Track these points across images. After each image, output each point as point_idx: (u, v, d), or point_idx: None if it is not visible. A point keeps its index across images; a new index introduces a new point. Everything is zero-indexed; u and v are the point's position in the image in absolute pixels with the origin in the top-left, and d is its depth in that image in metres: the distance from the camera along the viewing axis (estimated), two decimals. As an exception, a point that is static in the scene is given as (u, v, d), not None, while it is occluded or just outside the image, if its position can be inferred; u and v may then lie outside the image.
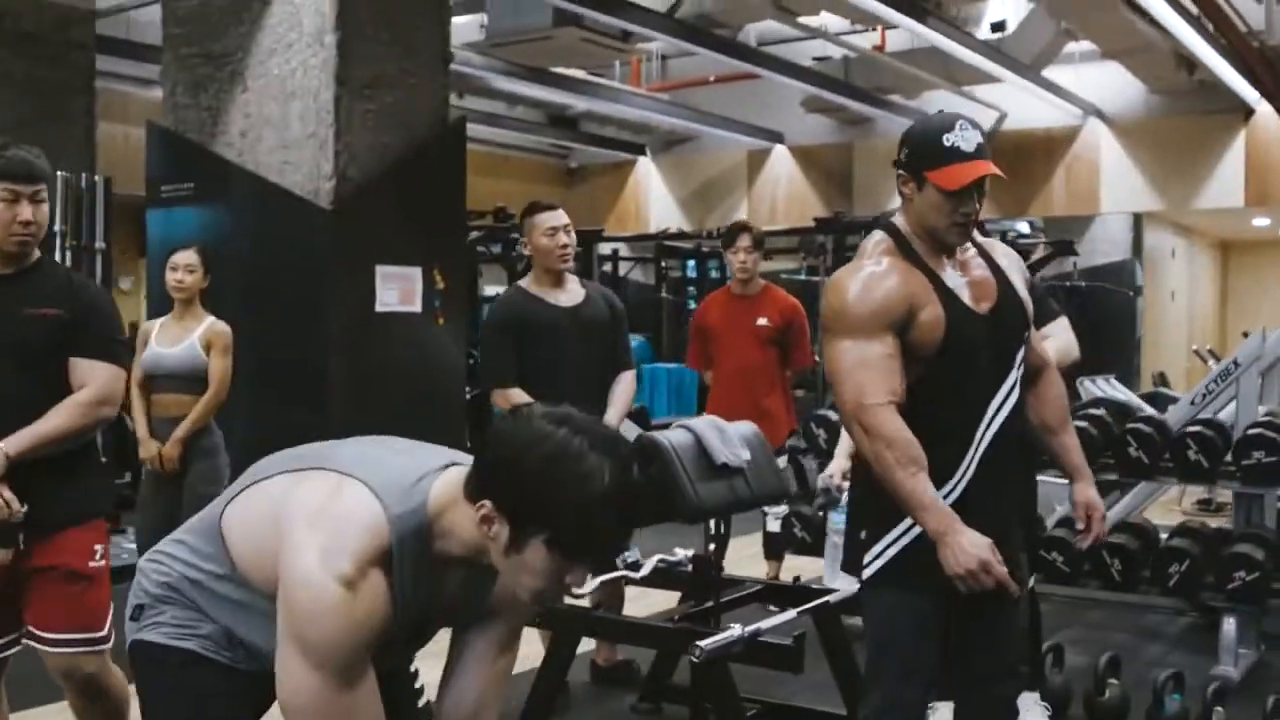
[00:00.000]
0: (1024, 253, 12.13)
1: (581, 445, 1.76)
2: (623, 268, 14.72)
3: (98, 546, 3.09)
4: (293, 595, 1.75)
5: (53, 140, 8.23)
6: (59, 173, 7.79)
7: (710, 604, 3.72)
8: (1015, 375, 2.77)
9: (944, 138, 2.63)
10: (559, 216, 4.41)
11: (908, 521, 2.67)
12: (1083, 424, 5.03)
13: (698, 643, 3.16)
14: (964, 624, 2.84)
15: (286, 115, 6.02)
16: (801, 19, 9.71)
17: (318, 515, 1.81)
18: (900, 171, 2.72)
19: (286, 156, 6.02)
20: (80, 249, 7.89)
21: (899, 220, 2.77)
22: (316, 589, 1.73)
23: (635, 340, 7.98)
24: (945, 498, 2.64)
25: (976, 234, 2.89)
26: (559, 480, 1.74)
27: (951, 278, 2.73)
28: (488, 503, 1.77)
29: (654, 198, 15.90)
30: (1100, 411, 5.25)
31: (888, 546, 2.74)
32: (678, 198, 15.69)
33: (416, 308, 6.27)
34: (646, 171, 15.98)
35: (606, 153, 15.81)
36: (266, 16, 6.08)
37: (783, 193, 14.43)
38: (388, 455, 1.94)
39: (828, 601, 3.78)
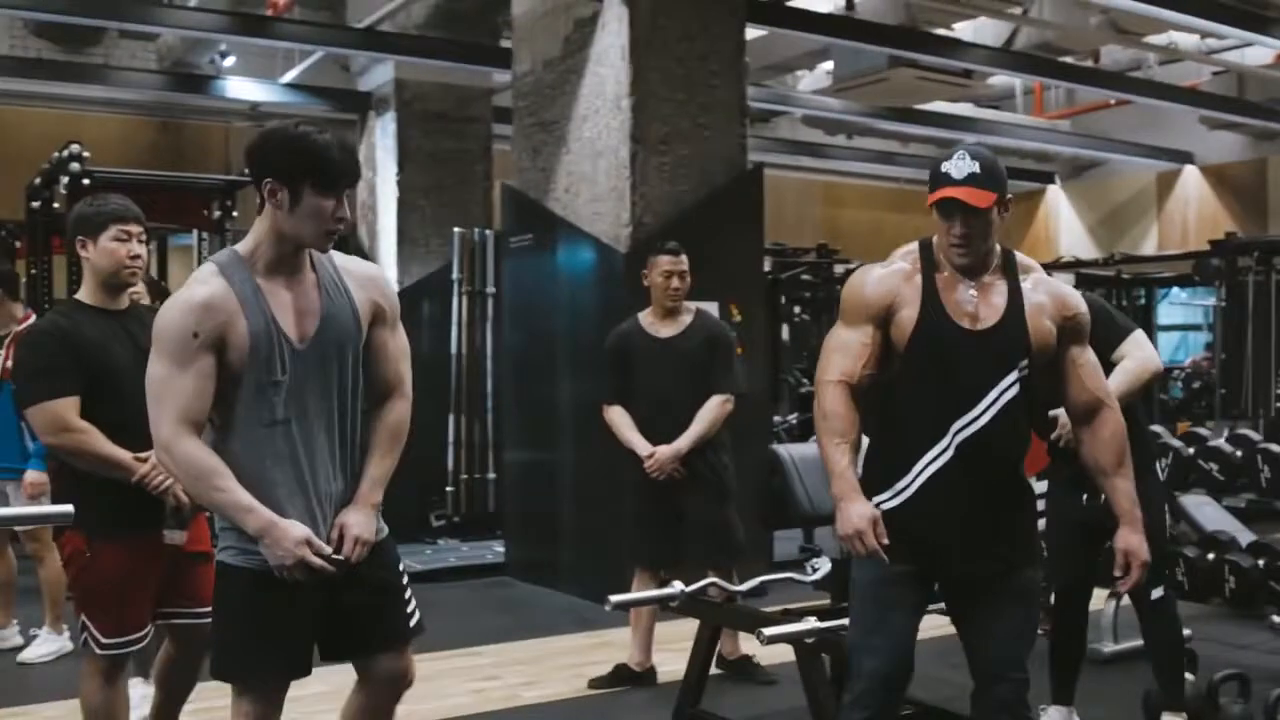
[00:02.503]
0: None
1: (297, 126, 2.67)
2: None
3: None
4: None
5: (457, 201, 9.75)
6: (455, 229, 9.18)
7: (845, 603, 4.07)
8: (996, 396, 2.90)
9: (941, 165, 2.91)
10: (677, 262, 4.88)
11: (879, 496, 2.94)
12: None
13: (763, 629, 3.53)
14: (962, 618, 3.06)
15: (595, 172, 6.90)
16: (1148, 39, 9.43)
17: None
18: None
19: (596, 208, 6.90)
20: (474, 294, 9.24)
21: (935, 238, 3.01)
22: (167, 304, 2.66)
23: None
24: (906, 485, 2.92)
25: (1036, 267, 3.05)
26: (299, 139, 2.61)
27: (958, 293, 2.93)
28: (268, 179, 2.60)
29: (1064, 225, 15.57)
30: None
31: None
32: (1087, 224, 15.29)
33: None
34: (1056, 199, 15.70)
35: (1016, 183, 15.67)
36: (581, 87, 7.01)
37: (1194, 214, 13.73)
38: None
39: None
